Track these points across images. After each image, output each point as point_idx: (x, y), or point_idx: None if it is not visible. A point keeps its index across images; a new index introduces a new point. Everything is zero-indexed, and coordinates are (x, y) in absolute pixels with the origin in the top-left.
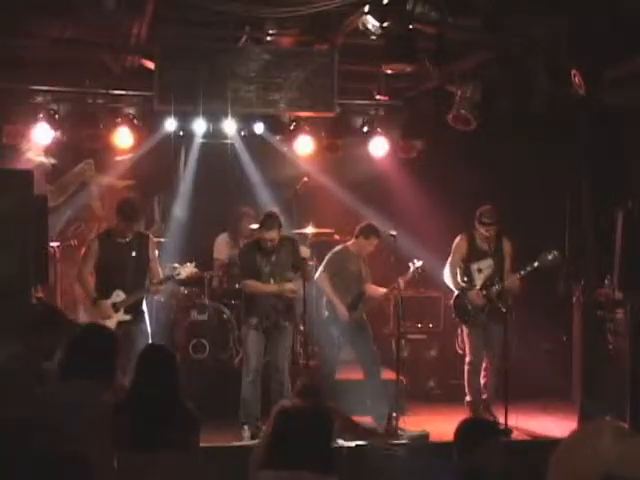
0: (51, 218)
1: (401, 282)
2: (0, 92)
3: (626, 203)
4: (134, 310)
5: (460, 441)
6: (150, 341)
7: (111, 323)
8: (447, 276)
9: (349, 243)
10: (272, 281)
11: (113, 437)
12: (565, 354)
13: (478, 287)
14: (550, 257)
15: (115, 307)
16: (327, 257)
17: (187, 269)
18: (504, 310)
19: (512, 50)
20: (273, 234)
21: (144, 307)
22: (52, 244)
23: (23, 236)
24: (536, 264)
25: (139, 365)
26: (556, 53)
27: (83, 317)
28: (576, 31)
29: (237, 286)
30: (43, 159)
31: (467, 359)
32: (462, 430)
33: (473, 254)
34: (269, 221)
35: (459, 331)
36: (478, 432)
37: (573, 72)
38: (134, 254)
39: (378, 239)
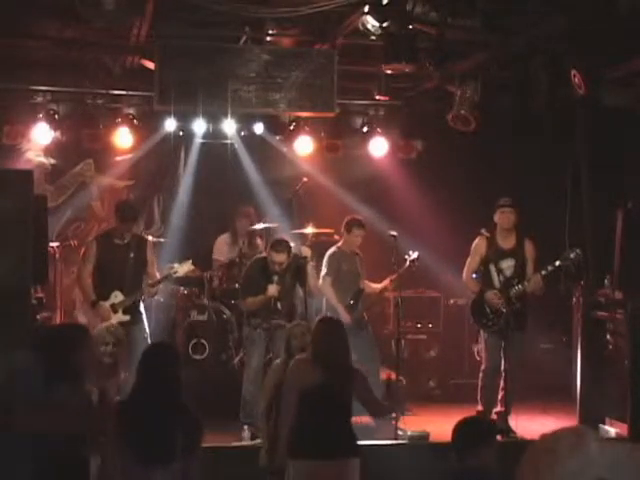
0: (51, 218)
1: (395, 278)
2: (0, 92)
3: (626, 203)
4: (132, 311)
5: (457, 441)
6: (149, 341)
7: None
8: (465, 278)
9: (340, 243)
10: (278, 304)
11: (117, 440)
12: (565, 354)
13: (498, 289)
14: (572, 255)
15: (114, 308)
16: (324, 261)
17: (185, 267)
18: (524, 314)
19: (512, 50)
20: (282, 258)
21: (142, 308)
22: (52, 244)
23: (23, 236)
24: (558, 263)
25: (142, 366)
26: (556, 53)
27: (82, 319)
28: (576, 31)
29: (234, 301)
30: (43, 159)
31: (482, 366)
32: (459, 430)
33: (493, 254)
34: (279, 246)
35: (479, 338)
36: (475, 432)
37: (573, 72)
38: (132, 255)
39: (361, 229)
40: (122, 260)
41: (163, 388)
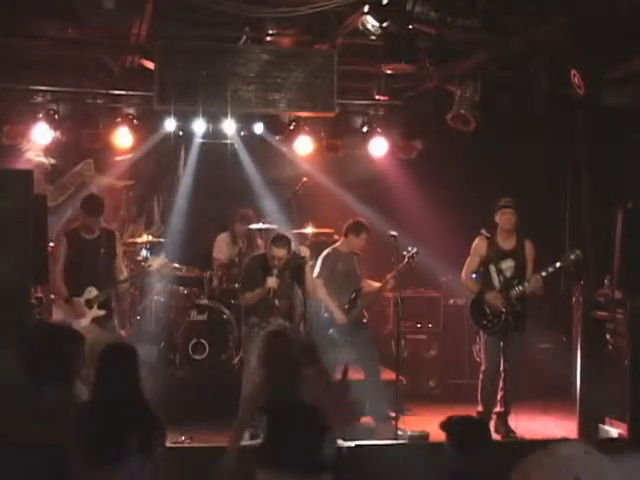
0: (51, 218)
1: (394, 275)
2: (0, 92)
3: (626, 203)
4: (106, 306)
5: (455, 441)
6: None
7: (85, 320)
8: (464, 278)
9: (338, 244)
10: (276, 301)
11: (78, 442)
12: (565, 354)
13: (497, 289)
14: (573, 257)
15: (89, 304)
16: (318, 262)
17: (158, 260)
18: (524, 314)
19: (512, 50)
20: (281, 253)
21: (113, 303)
22: (52, 244)
23: (23, 236)
24: (558, 264)
25: (100, 366)
26: (556, 53)
27: (57, 315)
28: (576, 31)
29: (233, 301)
30: (43, 159)
31: (482, 367)
32: (457, 430)
33: (494, 254)
34: (280, 241)
35: (478, 339)
36: (472, 432)
37: (573, 72)
38: (103, 250)
39: (368, 234)
40: (93, 255)
41: (120, 387)
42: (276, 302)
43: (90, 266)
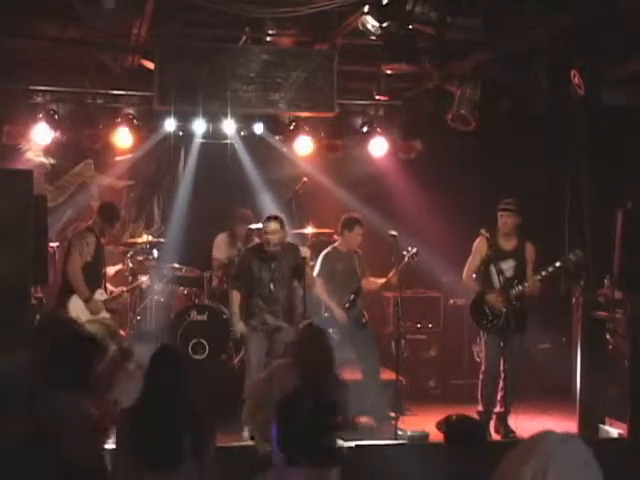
0: (51, 218)
1: (397, 271)
2: (0, 92)
3: (625, 203)
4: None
5: (454, 441)
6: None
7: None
8: (465, 278)
9: (337, 243)
10: (272, 287)
11: (126, 449)
12: (565, 354)
13: (497, 289)
14: (573, 257)
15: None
16: (318, 261)
17: (146, 280)
18: (524, 314)
19: (512, 50)
20: (273, 226)
21: None
22: (52, 244)
23: (23, 236)
24: (558, 264)
25: (149, 369)
26: (556, 53)
27: (74, 309)
28: (576, 31)
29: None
30: (43, 159)
31: (482, 367)
32: (457, 431)
33: (494, 254)
34: (270, 218)
35: (478, 339)
36: (471, 432)
37: (573, 72)
38: (105, 256)
39: (362, 227)
40: (103, 259)
41: (169, 391)
42: (271, 287)
43: (101, 269)
